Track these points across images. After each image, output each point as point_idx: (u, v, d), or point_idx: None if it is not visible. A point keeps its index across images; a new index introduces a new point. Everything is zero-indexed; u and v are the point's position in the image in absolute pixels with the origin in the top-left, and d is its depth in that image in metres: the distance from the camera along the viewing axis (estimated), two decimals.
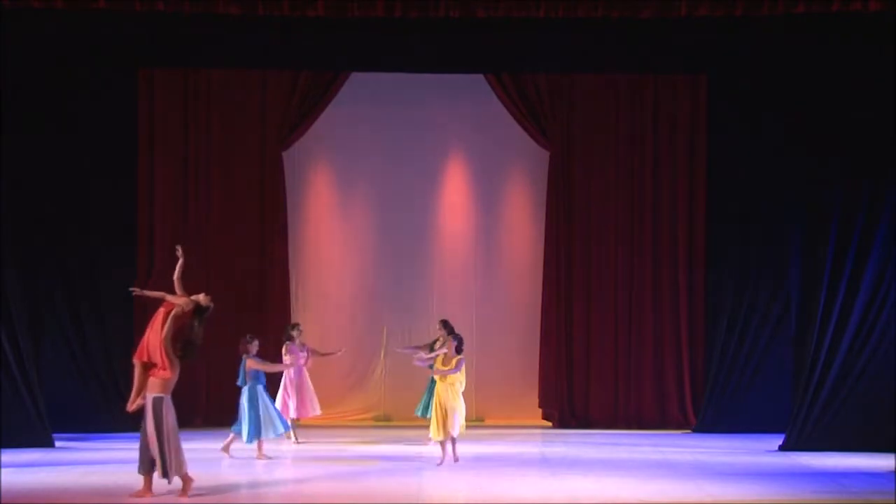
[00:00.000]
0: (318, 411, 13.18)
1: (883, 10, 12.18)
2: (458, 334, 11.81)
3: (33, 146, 12.92)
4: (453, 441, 11.39)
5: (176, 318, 9.43)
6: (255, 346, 12.07)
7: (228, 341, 13.60)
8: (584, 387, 14.47)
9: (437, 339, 13.10)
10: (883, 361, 12.44)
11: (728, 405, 13.90)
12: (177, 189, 14.45)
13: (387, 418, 14.94)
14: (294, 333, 13.13)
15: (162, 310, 9.48)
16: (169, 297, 9.55)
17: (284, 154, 14.66)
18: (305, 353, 13.11)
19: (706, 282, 14.30)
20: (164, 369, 9.29)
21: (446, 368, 11.37)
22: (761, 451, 12.58)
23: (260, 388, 11.99)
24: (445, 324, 13.08)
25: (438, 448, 11.49)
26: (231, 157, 14.55)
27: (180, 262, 9.91)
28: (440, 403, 11.34)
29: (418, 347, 13.31)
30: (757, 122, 13.71)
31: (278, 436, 12.05)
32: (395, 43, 13.15)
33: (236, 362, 13.60)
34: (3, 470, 10.72)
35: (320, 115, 14.56)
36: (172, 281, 9.74)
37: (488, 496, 9.94)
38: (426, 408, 12.73)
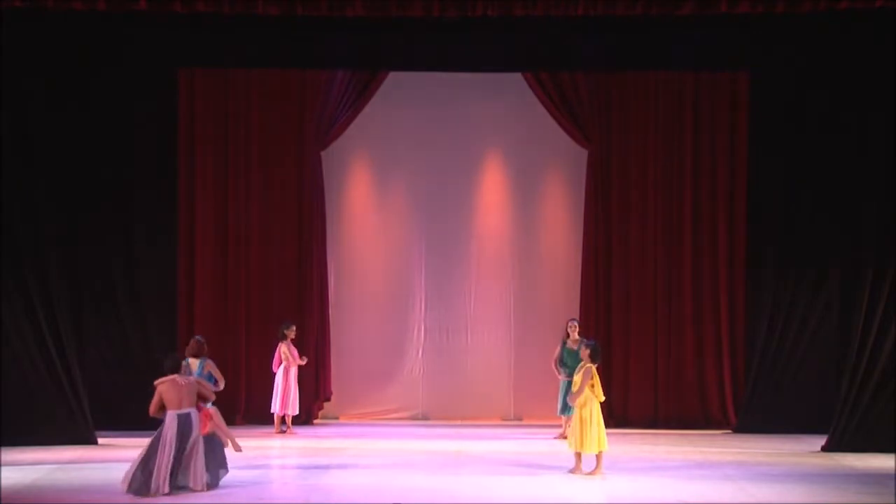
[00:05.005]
0: (296, 411, 13.61)
1: None
2: (590, 341, 11.06)
3: (76, 146, 13.03)
4: (599, 455, 10.64)
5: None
6: None
7: (266, 341, 13.72)
8: (623, 386, 14.39)
9: (568, 336, 13.15)
10: None
11: (769, 405, 13.77)
12: (216, 188, 14.53)
13: (424, 417, 14.94)
14: (287, 332, 13.55)
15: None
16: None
17: (323, 153, 14.71)
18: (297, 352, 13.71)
19: (746, 281, 14.18)
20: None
21: (577, 387, 10.65)
22: (804, 451, 12.46)
23: None
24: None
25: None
26: (270, 156, 14.62)
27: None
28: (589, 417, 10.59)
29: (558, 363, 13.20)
30: (799, 121, 13.56)
31: None
32: (433, 42, 13.14)
33: (271, 359, 13.74)
34: (41, 468, 10.83)
35: (358, 114, 14.61)
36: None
37: (528, 496, 9.91)
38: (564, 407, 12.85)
